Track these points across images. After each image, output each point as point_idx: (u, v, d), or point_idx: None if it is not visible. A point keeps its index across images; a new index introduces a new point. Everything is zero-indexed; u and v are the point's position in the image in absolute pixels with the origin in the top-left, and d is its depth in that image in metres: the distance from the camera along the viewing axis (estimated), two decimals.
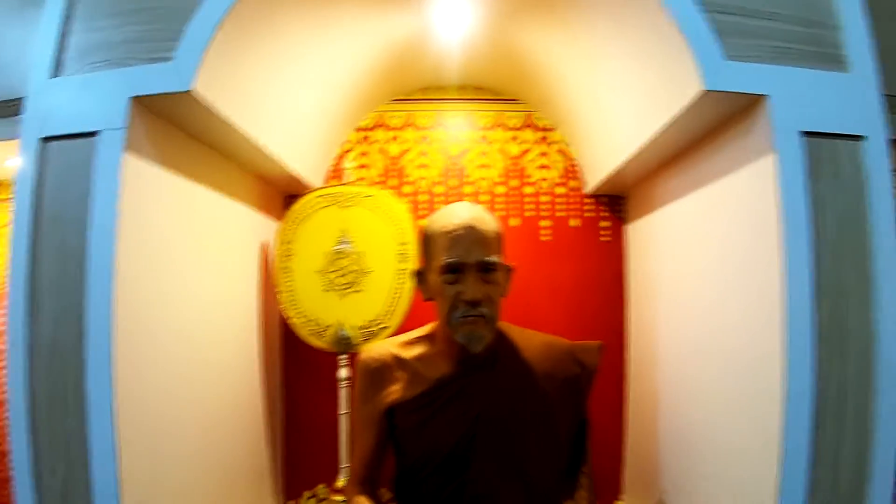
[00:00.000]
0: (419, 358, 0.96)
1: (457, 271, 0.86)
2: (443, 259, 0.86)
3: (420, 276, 0.94)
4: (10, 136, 1.00)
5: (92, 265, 0.77)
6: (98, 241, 0.78)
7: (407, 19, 1.10)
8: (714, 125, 0.91)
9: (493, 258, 0.86)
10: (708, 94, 0.78)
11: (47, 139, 0.82)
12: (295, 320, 1.19)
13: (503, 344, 0.95)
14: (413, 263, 1.16)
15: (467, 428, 0.90)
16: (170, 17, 0.83)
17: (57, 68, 0.85)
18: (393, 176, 1.37)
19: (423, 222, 0.95)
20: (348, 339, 1.19)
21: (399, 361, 0.96)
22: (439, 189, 1.36)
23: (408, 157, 1.36)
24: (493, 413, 0.91)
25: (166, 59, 0.81)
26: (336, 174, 1.38)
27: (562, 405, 0.94)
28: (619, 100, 1.07)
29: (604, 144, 1.22)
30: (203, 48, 0.81)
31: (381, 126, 1.37)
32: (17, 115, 0.95)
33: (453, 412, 0.91)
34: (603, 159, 1.24)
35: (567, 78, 1.20)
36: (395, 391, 0.94)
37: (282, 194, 1.38)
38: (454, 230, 0.86)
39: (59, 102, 0.83)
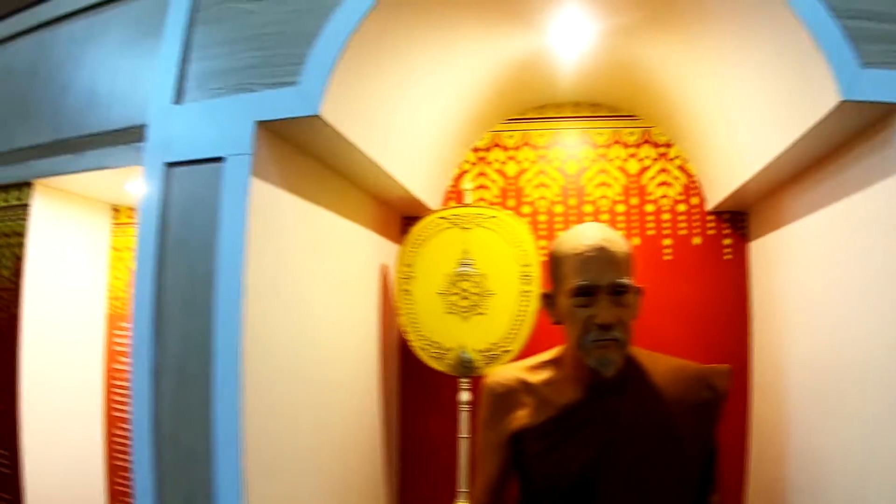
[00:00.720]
0: (546, 383, 0.93)
1: (588, 294, 0.83)
2: (574, 282, 0.83)
3: (548, 298, 0.92)
4: (129, 163, 1.05)
5: (220, 288, 0.80)
6: (226, 265, 0.80)
7: (527, 38, 1.09)
8: (847, 137, 0.83)
9: (625, 280, 0.84)
10: (844, 105, 0.72)
11: (172, 164, 0.86)
12: (415, 343, 1.19)
13: (632, 368, 0.91)
14: (536, 285, 1.14)
15: (595, 454, 0.86)
16: (293, 41, 0.84)
17: (179, 95, 0.88)
18: (511, 196, 1.35)
19: (550, 243, 0.93)
20: (470, 362, 1.18)
21: (526, 386, 0.93)
22: (558, 209, 1.33)
23: (525, 176, 1.35)
24: (622, 439, 0.87)
25: (291, 84, 0.83)
26: (453, 195, 1.39)
27: (692, 431, 0.89)
28: (745, 113, 1.00)
29: (728, 159, 1.15)
30: (329, 71, 0.82)
31: (497, 146, 1.36)
32: (136, 141, 1.00)
33: (582, 438, 0.88)
34: (726, 175, 1.17)
35: (688, 92, 1.14)
36: (521, 416, 0.92)
37: (399, 216, 1.40)
38: (585, 252, 0.84)
39: (183, 128, 0.87)
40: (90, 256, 1.39)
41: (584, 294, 0.84)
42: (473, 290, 1.19)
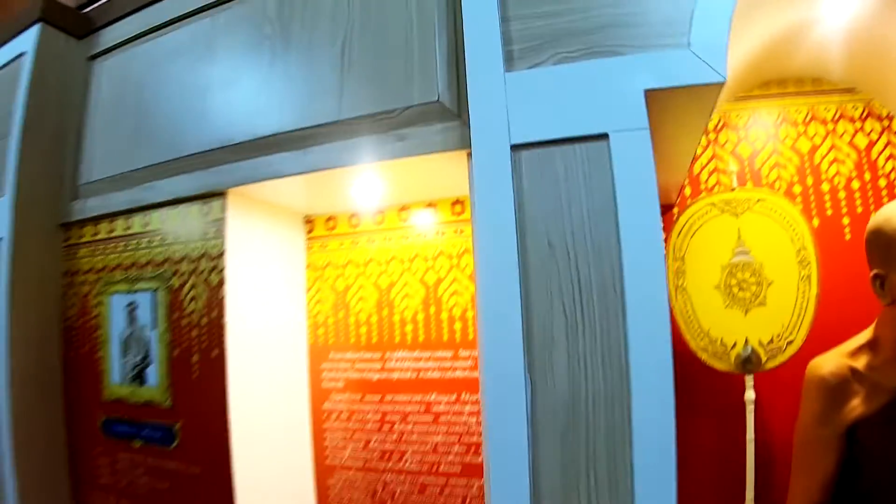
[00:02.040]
0: (870, 367, 0.88)
1: None
2: None
3: (880, 279, 0.86)
4: (381, 156, 0.87)
5: (632, 300, 0.65)
6: (639, 267, 0.65)
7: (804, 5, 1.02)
8: None
9: None
10: None
11: (520, 147, 0.70)
12: (693, 343, 1.09)
13: None
14: (814, 269, 1.08)
15: None
16: None
17: (509, 61, 0.72)
18: (749, 179, 1.27)
19: (874, 221, 0.87)
20: (757, 358, 1.09)
21: (855, 373, 0.89)
22: (797, 189, 1.27)
23: (760, 157, 1.28)
24: None
25: (677, 45, 0.68)
26: (693, 181, 1.29)
27: None
28: None
29: None
30: (727, 28, 0.68)
31: (726, 126, 1.28)
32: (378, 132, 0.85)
33: None
34: None
35: None
36: (856, 406, 0.87)
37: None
38: None
39: (528, 101, 0.71)
40: (287, 278, 1.16)
41: None
42: (752, 280, 1.10)
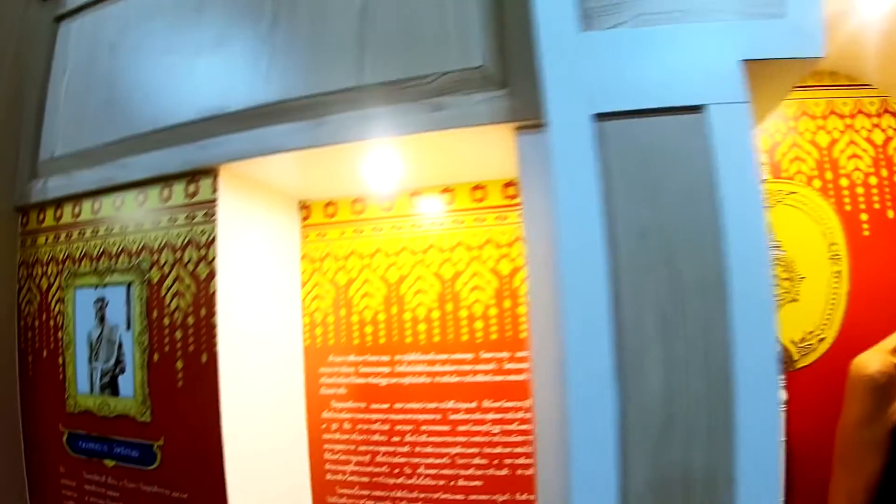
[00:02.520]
0: None
1: None
2: None
3: None
4: (417, 128, 0.76)
5: (736, 293, 0.56)
6: (743, 258, 0.57)
7: None
8: None
9: None
10: None
11: (606, 116, 0.60)
12: None
13: None
14: (846, 265, 1.04)
15: None
16: None
17: (586, 19, 0.63)
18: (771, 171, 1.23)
19: None
20: (788, 356, 1.04)
21: None
22: (816, 183, 1.24)
23: (780, 150, 1.24)
24: None
25: (773, 15, 0.60)
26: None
27: None
28: None
29: None
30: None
31: None
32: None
33: None
34: None
35: None
36: None
37: None
38: None
39: (611, 66, 0.61)
40: (280, 272, 1.03)
41: None
42: (784, 276, 1.05)
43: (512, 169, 0.93)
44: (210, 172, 0.87)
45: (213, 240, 0.86)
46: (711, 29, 0.61)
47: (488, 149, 0.84)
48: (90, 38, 1.02)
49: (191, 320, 0.87)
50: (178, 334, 0.88)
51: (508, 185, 0.99)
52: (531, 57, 0.70)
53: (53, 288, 1.00)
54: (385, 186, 1.01)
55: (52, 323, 1.00)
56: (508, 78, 0.74)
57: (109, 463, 0.94)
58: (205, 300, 0.86)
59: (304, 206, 1.09)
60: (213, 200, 0.87)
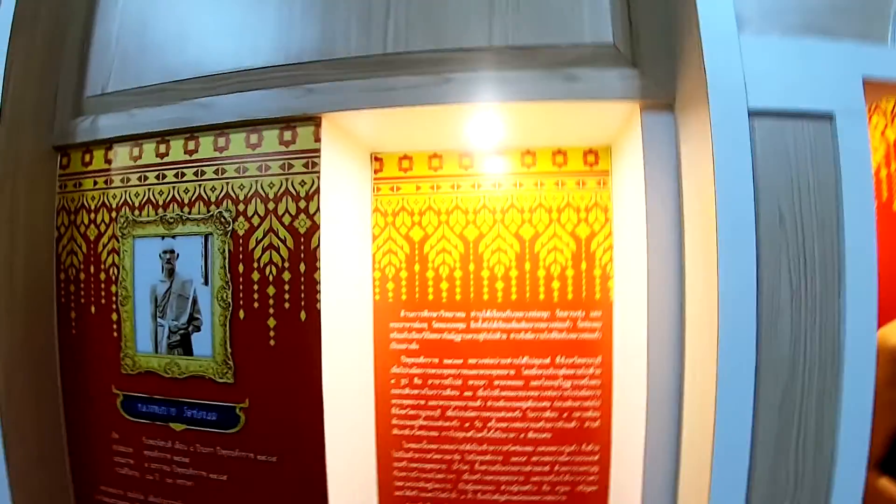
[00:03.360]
0: None
1: None
2: None
3: None
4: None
5: (850, 282, 0.65)
6: (856, 251, 0.66)
7: None
8: None
9: None
10: None
11: (757, 114, 0.67)
12: None
13: None
14: None
15: None
16: None
17: (739, 21, 0.69)
18: None
19: None
20: None
21: None
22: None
23: None
24: None
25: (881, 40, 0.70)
26: None
27: None
28: None
29: None
30: None
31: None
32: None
33: None
34: None
35: None
36: None
37: None
38: None
39: (765, 67, 0.67)
40: (357, 225, 0.99)
41: None
42: None
43: (591, 138, 0.98)
44: (311, 120, 0.82)
45: (316, 192, 0.82)
46: (838, 45, 0.68)
47: (596, 120, 0.86)
48: None
49: (286, 276, 0.83)
50: (271, 290, 0.83)
51: (589, 152, 1.02)
52: (658, 40, 0.78)
53: (105, 237, 0.90)
54: (479, 146, 1.00)
55: (102, 276, 0.90)
56: (638, 58, 0.77)
57: (178, 427, 0.88)
58: (307, 255, 0.82)
59: (377, 159, 1.06)
60: (316, 150, 0.82)
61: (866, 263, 0.66)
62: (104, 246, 0.90)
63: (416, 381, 1.04)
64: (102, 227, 0.90)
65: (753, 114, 0.67)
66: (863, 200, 0.67)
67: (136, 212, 0.89)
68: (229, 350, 0.85)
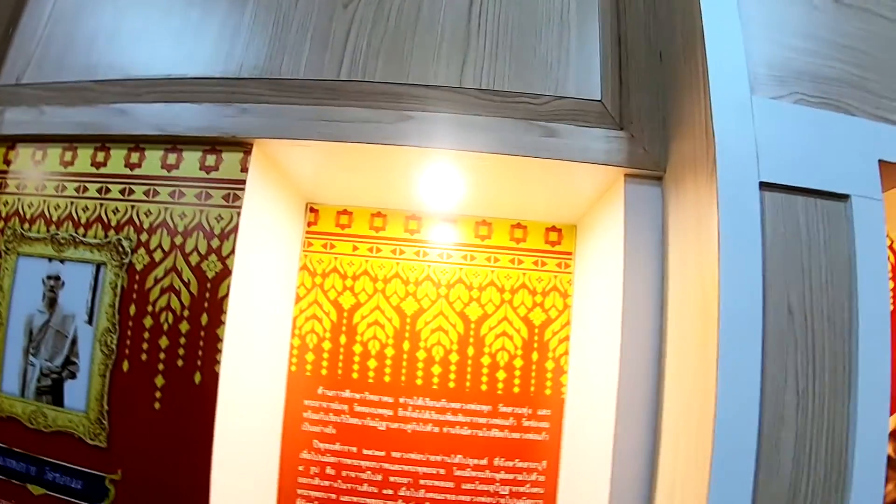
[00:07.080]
0: None
1: None
2: None
3: None
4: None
5: (863, 373, 0.53)
6: (866, 341, 0.54)
7: None
8: None
9: None
10: None
11: (768, 187, 0.56)
12: None
13: None
14: None
15: None
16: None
17: (753, 85, 0.59)
18: None
19: None
20: None
21: None
22: None
23: None
24: None
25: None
26: None
27: None
28: None
29: None
30: None
31: None
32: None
33: None
34: None
35: None
36: None
37: None
38: None
39: (778, 139, 0.57)
40: (279, 283, 0.84)
41: None
42: None
43: (556, 213, 0.85)
44: (241, 146, 0.69)
45: (234, 231, 0.68)
46: (853, 123, 0.59)
47: (567, 189, 0.73)
48: None
49: (184, 326, 0.68)
50: (164, 342, 0.68)
51: (552, 229, 0.88)
52: (650, 103, 0.67)
53: None
54: (430, 207, 0.86)
55: None
56: (626, 119, 0.65)
57: (37, 490, 0.72)
58: (210, 304, 0.67)
59: (313, 209, 0.92)
60: (241, 182, 0.68)
61: (880, 368, 0.55)
62: None
63: (329, 470, 0.87)
64: None
65: (765, 186, 0.56)
66: (878, 292, 0.56)
67: (27, 225, 0.75)
68: (105, 407, 0.70)
